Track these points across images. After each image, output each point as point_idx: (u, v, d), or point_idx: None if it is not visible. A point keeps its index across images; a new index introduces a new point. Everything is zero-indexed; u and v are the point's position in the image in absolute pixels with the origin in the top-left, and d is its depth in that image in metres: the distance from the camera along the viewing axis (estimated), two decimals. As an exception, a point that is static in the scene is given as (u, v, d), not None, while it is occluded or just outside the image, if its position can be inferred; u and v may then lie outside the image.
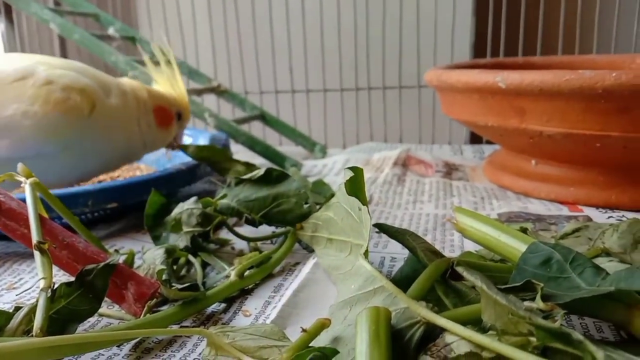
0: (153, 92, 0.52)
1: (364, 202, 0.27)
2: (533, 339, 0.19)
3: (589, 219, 0.42)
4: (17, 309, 0.24)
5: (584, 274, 0.23)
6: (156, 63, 0.54)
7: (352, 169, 0.27)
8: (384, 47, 0.86)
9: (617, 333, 0.25)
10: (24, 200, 0.29)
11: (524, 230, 0.32)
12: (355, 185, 0.27)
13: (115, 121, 0.48)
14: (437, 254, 0.27)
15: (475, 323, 0.21)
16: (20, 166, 0.30)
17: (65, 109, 0.44)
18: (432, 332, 0.21)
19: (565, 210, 0.45)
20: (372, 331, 0.19)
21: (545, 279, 0.23)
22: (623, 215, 0.43)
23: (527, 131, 0.44)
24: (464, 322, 0.20)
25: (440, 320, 0.20)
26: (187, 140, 0.59)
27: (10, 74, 0.44)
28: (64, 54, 0.93)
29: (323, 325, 0.21)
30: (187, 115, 0.55)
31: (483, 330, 0.20)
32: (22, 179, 0.30)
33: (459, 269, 0.22)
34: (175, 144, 0.55)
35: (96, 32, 0.72)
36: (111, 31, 0.75)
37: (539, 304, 0.20)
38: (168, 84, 0.54)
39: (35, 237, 0.26)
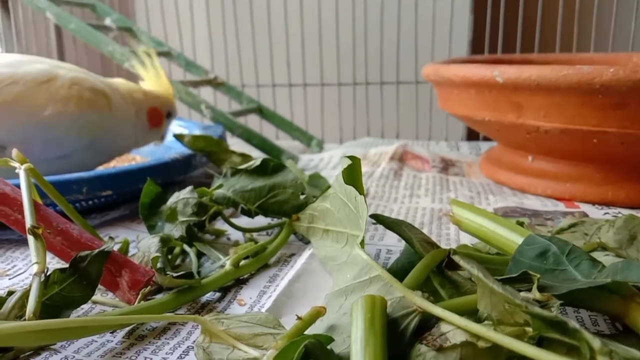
0: (148, 94, 0.54)
1: (361, 191, 0.26)
2: (529, 328, 0.19)
3: (585, 215, 0.42)
4: (10, 293, 0.24)
5: (580, 266, 0.23)
6: (142, 62, 0.57)
7: (349, 157, 0.27)
8: (382, 43, 0.86)
9: (612, 326, 0.25)
10: (18, 186, 0.28)
11: (520, 224, 0.32)
12: (353, 175, 0.27)
13: (119, 121, 0.50)
14: (434, 245, 0.26)
15: (471, 314, 0.21)
16: (14, 152, 0.30)
17: (97, 107, 0.47)
18: (428, 322, 0.21)
19: (561, 206, 0.45)
20: (367, 319, 0.19)
21: (542, 270, 0.23)
22: (619, 212, 0.43)
23: (524, 126, 0.44)
24: (459, 312, 0.20)
25: (436, 310, 0.20)
26: (183, 131, 0.59)
27: (36, 77, 0.45)
28: (60, 44, 0.92)
29: (318, 313, 0.21)
30: (175, 113, 0.58)
31: (479, 320, 0.20)
32: (17, 164, 0.29)
33: (456, 258, 0.22)
34: (160, 139, 0.59)
35: (93, 22, 0.71)
36: (108, 22, 0.75)
37: (535, 294, 0.20)
38: (156, 81, 0.56)
39: (29, 222, 0.25)
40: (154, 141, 0.57)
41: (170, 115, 0.57)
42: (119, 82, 0.53)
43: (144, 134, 0.54)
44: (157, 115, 0.55)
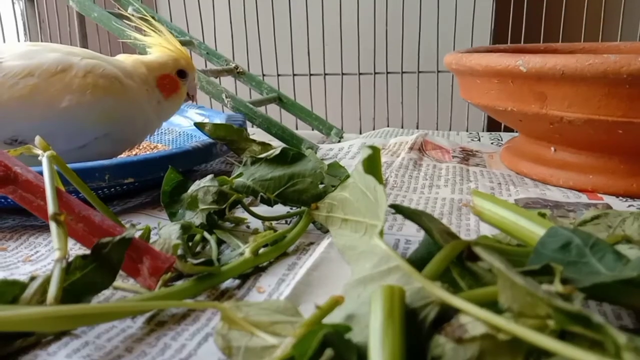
0: (150, 64, 0.52)
1: (381, 181, 0.26)
2: (551, 322, 0.18)
3: (609, 207, 0.42)
4: (32, 279, 0.24)
5: (604, 259, 0.23)
6: (142, 31, 0.54)
7: (369, 147, 0.26)
8: (403, 32, 0.85)
9: (636, 320, 0.25)
10: (41, 174, 0.29)
11: (542, 216, 0.31)
12: (372, 164, 0.27)
13: (134, 103, 0.49)
14: (453, 236, 0.26)
15: (491, 306, 0.20)
16: (37, 139, 0.30)
17: (112, 94, 0.46)
18: (447, 313, 0.21)
19: (584, 198, 0.44)
20: (386, 309, 0.19)
21: (564, 263, 0.23)
22: (644, 205, 0.42)
23: (548, 116, 0.43)
24: (479, 304, 0.19)
25: (455, 301, 0.19)
26: (203, 120, 0.60)
27: (50, 67, 0.45)
28: (83, 33, 0.93)
29: (336, 302, 0.21)
30: (190, 68, 0.55)
31: (499, 312, 0.20)
32: (40, 151, 0.30)
33: (477, 249, 0.22)
34: (190, 98, 0.57)
35: (115, 11, 0.72)
36: (130, 11, 0.75)
37: (557, 287, 0.20)
38: (162, 45, 0.54)
39: (51, 209, 0.26)
40: (177, 108, 0.55)
41: (184, 73, 0.54)
42: (122, 58, 0.51)
43: (161, 107, 0.52)
44: (169, 83, 0.52)
